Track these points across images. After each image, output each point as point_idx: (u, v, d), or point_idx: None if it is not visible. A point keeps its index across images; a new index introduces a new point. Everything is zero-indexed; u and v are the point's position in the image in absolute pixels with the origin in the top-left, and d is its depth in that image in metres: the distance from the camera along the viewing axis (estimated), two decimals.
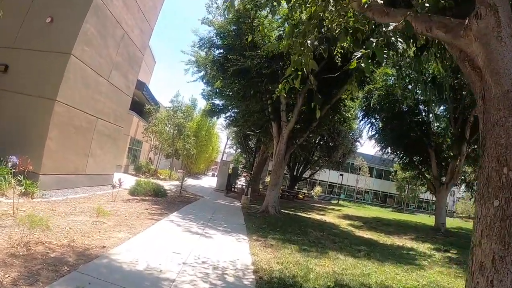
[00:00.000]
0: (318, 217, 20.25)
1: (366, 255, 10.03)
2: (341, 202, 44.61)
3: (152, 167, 31.80)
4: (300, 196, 36.37)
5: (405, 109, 21.53)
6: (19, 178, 9.73)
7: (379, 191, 59.38)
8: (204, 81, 22.37)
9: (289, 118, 16.78)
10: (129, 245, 6.86)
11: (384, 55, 4.12)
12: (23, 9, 12.14)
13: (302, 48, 5.17)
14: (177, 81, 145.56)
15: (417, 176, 27.04)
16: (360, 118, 25.30)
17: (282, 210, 17.57)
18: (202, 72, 21.71)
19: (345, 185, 53.29)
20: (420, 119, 21.96)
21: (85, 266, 5.23)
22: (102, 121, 15.18)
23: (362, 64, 3.64)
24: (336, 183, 54.35)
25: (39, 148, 11.23)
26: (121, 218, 9.65)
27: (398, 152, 24.74)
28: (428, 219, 32.83)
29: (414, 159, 24.19)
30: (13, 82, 11.79)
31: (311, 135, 18.73)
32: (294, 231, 12.59)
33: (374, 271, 7.90)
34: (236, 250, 8.18)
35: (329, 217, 21.16)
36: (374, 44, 3.61)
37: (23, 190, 9.98)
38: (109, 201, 12.67)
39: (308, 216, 19.80)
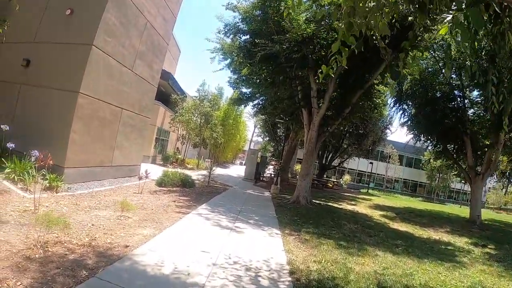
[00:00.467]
0: (349, 207, 19.47)
1: (404, 250, 9.35)
2: (370, 191, 43.34)
3: (179, 156, 31.57)
4: (330, 185, 35.56)
5: (438, 95, 20.44)
6: (43, 172, 9.53)
7: (409, 180, 57.67)
8: (231, 69, 21.81)
9: (320, 105, 15.96)
10: (154, 243, 6.35)
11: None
12: (42, 2, 12.01)
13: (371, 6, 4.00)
14: (203, 70, 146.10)
15: (452, 165, 25.70)
16: (392, 104, 24.07)
17: (313, 200, 16.84)
18: (229, 60, 21.16)
19: (375, 173, 51.86)
20: (455, 105, 20.63)
21: (105, 270, 4.73)
22: (127, 112, 14.85)
23: (457, 30, 2.74)
24: (365, 172, 52.93)
25: (63, 141, 11.05)
26: (147, 212, 9.24)
27: (431, 140, 23.49)
28: (460, 210, 31.61)
29: (449, 147, 22.88)
30: (36, 76, 11.70)
31: (343, 122, 17.81)
32: (327, 223, 11.93)
33: (416, 270, 7.21)
34: (269, 247, 7.57)
35: (361, 207, 20.35)
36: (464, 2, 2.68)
37: (47, 185, 9.71)
38: (135, 193, 12.35)
39: (340, 206, 19.04)
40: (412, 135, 24.25)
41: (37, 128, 11.33)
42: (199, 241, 6.97)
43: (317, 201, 17.58)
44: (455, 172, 28.24)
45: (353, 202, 22.87)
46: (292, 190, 21.29)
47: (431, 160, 29.50)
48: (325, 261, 6.87)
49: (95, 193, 11.09)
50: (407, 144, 30.75)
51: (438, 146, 23.30)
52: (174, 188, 14.99)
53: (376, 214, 17.97)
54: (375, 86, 17.72)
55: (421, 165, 54.31)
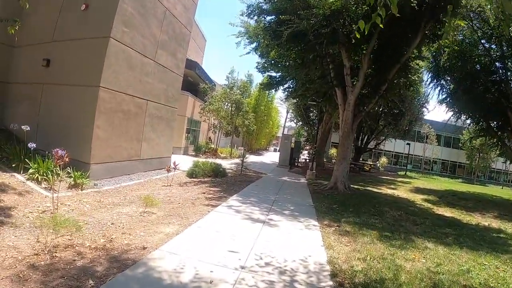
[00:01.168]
0: (389, 191, 18.31)
1: (455, 241, 8.33)
2: (408, 173, 41.64)
3: (212, 146, 31.11)
4: (366, 168, 34.21)
5: (478, 68, 18.88)
6: (68, 170, 9.48)
7: (448, 161, 54.58)
8: (258, 53, 20.86)
9: (354, 83, 14.83)
10: (176, 243, 5.66)
11: None
12: (58, 2, 11.96)
13: None
14: (231, 59, 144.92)
15: (495, 143, 23.79)
16: (429, 80, 22.34)
17: (351, 186, 15.77)
18: (255, 44, 20.23)
19: (412, 155, 49.58)
20: (497, 78, 18.92)
21: (114, 279, 4.06)
22: (153, 103, 14.53)
23: None
24: (402, 153, 50.94)
25: (87, 137, 10.91)
26: (173, 207, 8.67)
27: (473, 117, 21.76)
28: (503, 192, 30.62)
29: (492, 124, 21.12)
30: (56, 74, 11.67)
31: (380, 101, 16.54)
32: (368, 211, 10.94)
33: (472, 266, 6.21)
34: (307, 242, 6.72)
35: (401, 191, 19.16)
36: None
37: (72, 183, 9.52)
38: (164, 186, 12.01)
39: (379, 191, 17.93)
40: (452, 113, 22.60)
41: (61, 126, 11.27)
42: (227, 239, 6.22)
43: (355, 186, 16.54)
44: (500, 151, 26.29)
45: (392, 186, 21.64)
46: (328, 175, 20.43)
47: (473, 139, 27.48)
48: (370, 258, 5.97)
49: (122, 188, 10.80)
50: (446, 123, 28.86)
51: (481, 123, 21.63)
52: (205, 179, 14.48)
53: (418, 199, 16.83)
54: (412, 60, 16.32)
55: (460, 144, 51.72)
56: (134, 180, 12.44)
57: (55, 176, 8.80)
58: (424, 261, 6.31)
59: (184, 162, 16.01)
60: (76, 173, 9.66)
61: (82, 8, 11.16)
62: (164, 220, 7.23)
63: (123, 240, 5.68)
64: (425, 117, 39.21)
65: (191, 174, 14.80)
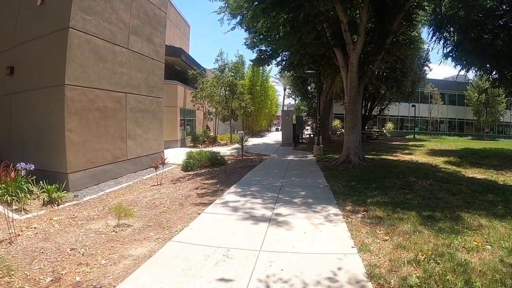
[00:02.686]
0: (406, 157, 16.36)
1: (506, 210, 6.61)
2: (416, 136, 39.53)
3: (211, 134, 29.26)
4: (374, 136, 32.21)
5: (484, 13, 16.51)
6: (43, 185, 8.42)
7: (455, 119, 52.07)
8: (244, 27, 18.73)
9: (354, 40, 12.78)
10: (144, 274, 3.87)
11: None
12: (14, 3, 11.18)
13: None
14: (223, 46, 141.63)
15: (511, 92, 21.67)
16: (431, 34, 19.99)
17: (365, 156, 13.84)
18: (238, 17, 18.11)
19: (417, 117, 47.28)
20: (507, 23, 16.77)
21: None
22: (133, 95, 13.14)
23: None
24: (407, 117, 48.64)
25: (60, 144, 9.76)
26: (156, 212, 6.98)
27: (483, 68, 19.60)
28: None
29: (506, 73, 19.00)
30: (22, 81, 10.81)
31: (386, 57, 14.33)
32: (394, 184, 9.04)
33: None
34: (331, 243, 4.84)
35: (418, 156, 17.23)
36: None
37: (46, 199, 8.16)
38: (154, 185, 10.39)
39: (395, 158, 15.98)
40: (459, 67, 20.39)
41: (33, 136, 10.37)
42: (218, 257, 4.34)
43: (369, 156, 14.56)
44: None
45: (407, 151, 19.63)
46: (336, 147, 18.72)
47: (488, 90, 25.24)
48: (424, 257, 4.16)
49: (106, 195, 9.46)
50: (455, 79, 26.75)
51: (494, 73, 19.51)
52: (202, 170, 12.84)
53: (439, 161, 14.98)
54: (415, 8, 14.21)
55: (465, 101, 49.64)
56: (122, 183, 11.09)
57: (27, 194, 7.85)
58: (490, 247, 4.60)
59: (181, 154, 14.31)
60: (50, 187, 8.26)
61: (38, 3, 10.08)
62: (140, 235, 5.48)
63: (74, 277, 4.06)
64: (427, 77, 37.03)
65: (186, 167, 13.20)
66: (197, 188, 9.17)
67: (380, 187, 8.57)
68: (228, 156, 17.53)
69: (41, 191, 8.43)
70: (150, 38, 14.28)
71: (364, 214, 6.23)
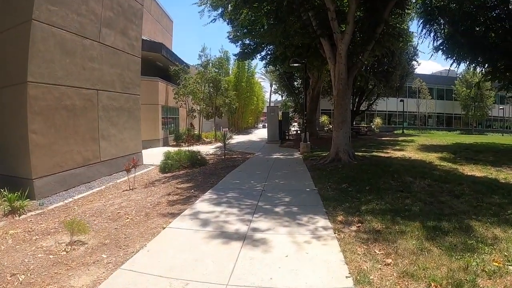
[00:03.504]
0: (398, 154, 15.39)
1: None
2: (405, 131, 38.81)
3: (195, 132, 28.09)
4: (363, 131, 31.37)
5: (476, 4, 15.74)
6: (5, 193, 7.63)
7: (443, 114, 51.74)
8: (226, 19, 17.58)
9: (342, 30, 11.76)
10: None
11: None
12: None
13: None
14: (208, 42, 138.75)
15: (506, 85, 20.93)
16: (421, 27, 19.05)
17: (355, 153, 12.84)
18: (220, 9, 16.96)
19: (405, 112, 46.60)
20: (500, 14, 16.17)
21: None
22: (106, 92, 12.21)
23: None
24: (395, 111, 47.98)
25: (23, 148, 8.91)
26: (117, 226, 6.00)
27: (475, 61, 18.79)
28: (507, 139, 28.98)
29: (499, 65, 18.23)
30: None
31: (376, 48, 13.22)
32: (389, 185, 8.06)
33: None
34: (319, 272, 3.75)
35: (410, 152, 16.26)
36: None
37: (6, 208, 7.39)
38: (125, 190, 9.34)
39: (387, 155, 15.00)
40: (451, 59, 19.53)
41: None
42: None
43: (359, 154, 13.58)
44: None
45: (397, 147, 18.66)
46: (324, 144, 17.78)
47: (481, 84, 24.55)
48: None
49: (74, 202, 8.54)
50: (448, 72, 26.02)
51: (487, 66, 18.72)
52: (180, 172, 11.78)
53: (433, 158, 14.04)
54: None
55: (453, 96, 49.48)
56: (94, 188, 10.16)
57: None
58: None
59: (162, 155, 13.14)
60: (12, 195, 7.47)
61: None
62: (91, 257, 4.54)
63: None
64: (415, 72, 36.53)
65: (164, 168, 12.18)
66: (169, 194, 8.07)
67: (374, 189, 7.54)
68: (210, 155, 16.47)
69: (3, 199, 7.59)
70: (124, 31, 13.25)
71: (359, 227, 5.18)
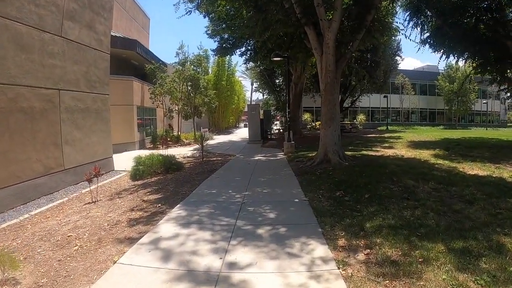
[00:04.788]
0: (389, 152, 14.29)
1: None
2: (389, 127, 38.08)
3: (174, 133, 26.60)
4: (348, 128, 30.44)
5: None
6: None
7: (426, 109, 51.43)
8: (203, 13, 16.20)
9: (330, 17, 10.54)
10: None
11: None
12: None
13: None
14: (190, 42, 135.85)
15: (495, 78, 20.18)
16: (407, 19, 17.98)
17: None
18: (196, 1, 15.57)
19: (389, 108, 45.93)
20: (490, 5, 15.32)
21: None
22: (70, 92, 10.74)
23: None
24: (379, 108, 47.18)
25: None
26: (62, 256, 4.74)
27: (465, 53, 17.95)
28: (493, 133, 28.88)
29: (488, 58, 17.44)
30: None
31: (367, 38, 11.95)
32: (390, 191, 6.90)
33: None
34: None
35: (401, 150, 15.20)
36: None
37: None
38: (88, 203, 7.91)
39: (378, 153, 13.84)
40: (440, 53, 18.61)
41: None
42: None
43: (348, 153, 12.39)
44: (504, 87, 22.74)
45: (386, 145, 17.62)
46: (309, 143, 16.61)
47: (471, 77, 23.84)
48: None
49: (29, 219, 7.10)
50: (438, 63, 25.49)
51: (477, 58, 17.89)
52: (153, 179, 10.43)
53: (427, 155, 13.03)
54: None
55: (436, 91, 49.21)
56: (55, 200, 8.67)
57: None
58: None
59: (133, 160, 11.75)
60: None
61: None
62: None
63: None
64: (398, 67, 35.82)
65: (135, 175, 10.77)
66: (132, 209, 6.70)
67: (375, 198, 6.33)
68: (188, 158, 15.12)
69: None
70: (91, 24, 11.86)
71: (367, 255, 3.91)
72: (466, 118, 52.70)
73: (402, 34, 21.69)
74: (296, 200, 6.65)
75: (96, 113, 12.26)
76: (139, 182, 10.08)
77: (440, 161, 11.38)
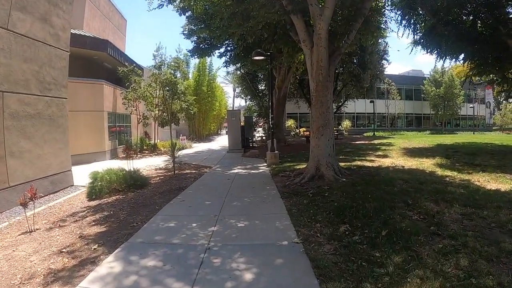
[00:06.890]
0: (386, 161, 12.55)
1: None
2: (376, 133, 36.86)
3: (150, 142, 24.51)
4: (335, 135, 28.87)
5: None
6: None
7: (412, 114, 50.68)
8: (179, 11, 14.31)
9: (322, 4, 8.76)
10: None
11: None
12: None
13: None
14: (169, 47, 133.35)
15: (495, 80, 18.92)
16: (399, 18, 16.39)
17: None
18: None
19: (375, 113, 44.70)
20: (489, 0, 13.97)
21: None
22: (16, 95, 9.04)
23: None
24: (364, 113, 46.18)
25: None
26: None
27: (463, 53, 16.62)
28: (483, 137, 28.68)
29: (488, 58, 16.13)
30: None
31: (363, 30, 10.12)
32: (412, 223, 5.04)
33: None
34: None
35: (398, 159, 13.48)
36: None
37: None
38: (22, 233, 6.05)
39: (374, 164, 12.00)
40: (433, 54, 17.14)
41: None
42: None
43: (341, 164, 10.50)
44: (504, 88, 21.55)
45: (380, 153, 15.82)
46: (295, 152, 14.87)
47: (471, 78, 22.67)
48: None
49: None
50: (434, 65, 24.27)
51: (476, 58, 16.52)
52: (110, 198, 8.56)
53: (429, 165, 11.38)
54: None
55: (422, 95, 48.64)
56: None
57: None
58: None
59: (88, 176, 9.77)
60: None
61: None
62: None
63: None
64: (385, 71, 34.73)
65: (91, 194, 8.90)
66: (61, 252, 4.74)
67: (395, 234, 4.39)
68: (159, 170, 13.16)
69: None
70: (46, 17, 10.06)
71: None
72: (452, 122, 52.20)
73: (394, 32, 20.48)
74: (285, 242, 4.60)
75: (50, 119, 10.35)
76: (94, 203, 8.16)
77: (448, 173, 9.67)
